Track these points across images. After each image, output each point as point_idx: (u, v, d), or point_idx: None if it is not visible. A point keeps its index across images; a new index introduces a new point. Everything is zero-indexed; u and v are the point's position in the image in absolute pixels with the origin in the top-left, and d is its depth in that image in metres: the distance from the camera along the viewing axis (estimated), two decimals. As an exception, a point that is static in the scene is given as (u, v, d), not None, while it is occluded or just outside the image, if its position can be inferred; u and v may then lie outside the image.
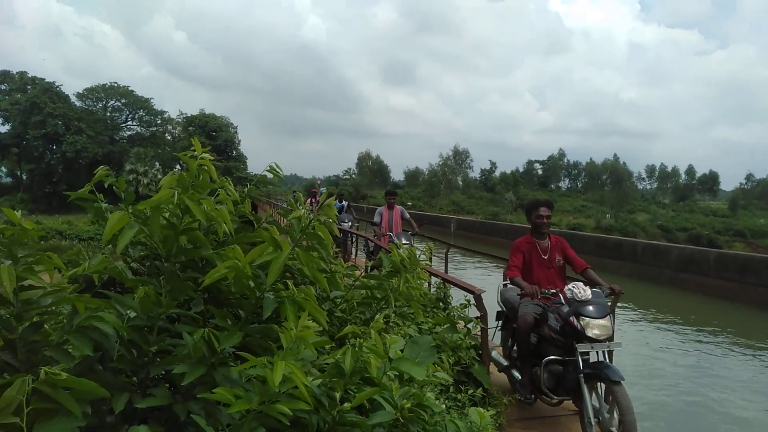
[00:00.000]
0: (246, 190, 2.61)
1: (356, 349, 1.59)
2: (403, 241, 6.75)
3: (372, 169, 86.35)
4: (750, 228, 61.24)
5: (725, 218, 67.85)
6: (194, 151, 1.76)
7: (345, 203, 15.39)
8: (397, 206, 8.60)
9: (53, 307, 1.51)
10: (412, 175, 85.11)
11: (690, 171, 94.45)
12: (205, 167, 1.68)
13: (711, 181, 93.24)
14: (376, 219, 8.47)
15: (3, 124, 50.31)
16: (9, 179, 53.72)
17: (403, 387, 1.54)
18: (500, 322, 4.60)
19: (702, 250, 20.50)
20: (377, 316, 1.64)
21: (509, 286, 4.54)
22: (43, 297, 1.48)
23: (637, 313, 15.04)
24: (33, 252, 1.49)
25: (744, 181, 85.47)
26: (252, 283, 1.47)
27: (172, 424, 1.40)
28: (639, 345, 11.61)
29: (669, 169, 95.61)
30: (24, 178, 51.18)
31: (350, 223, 13.43)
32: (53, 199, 44.91)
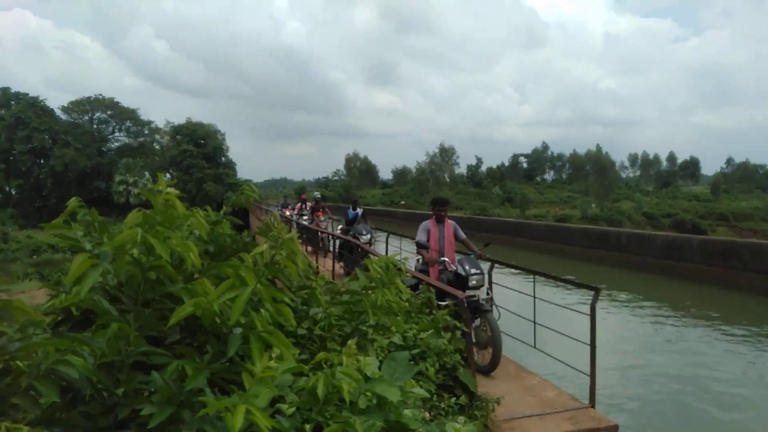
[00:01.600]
0: (222, 212, 2.63)
1: (328, 375, 1.61)
2: (473, 272, 5.37)
3: (360, 169, 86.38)
4: (732, 211, 62.22)
5: (708, 203, 68.87)
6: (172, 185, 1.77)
7: (360, 210, 12.87)
8: (449, 221, 6.38)
9: (23, 352, 1.50)
10: (401, 174, 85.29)
11: (671, 157, 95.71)
12: (170, 202, 1.68)
13: (692, 166, 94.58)
14: (421, 238, 6.19)
15: (-12, 141, 49.62)
16: (-2, 195, 53.04)
17: (368, 412, 1.55)
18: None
19: (685, 237, 20.81)
20: (350, 342, 1.65)
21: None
22: (11, 342, 1.48)
23: (622, 302, 15.22)
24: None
25: (725, 166, 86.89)
26: (218, 320, 1.48)
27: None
28: (625, 337, 11.76)
29: (651, 156, 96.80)
30: (13, 193, 50.53)
31: (369, 236, 11.01)
32: (44, 213, 44.47)
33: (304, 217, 16.60)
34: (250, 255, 1.54)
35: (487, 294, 5.62)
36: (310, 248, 13.86)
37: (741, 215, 61.46)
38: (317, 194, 16.40)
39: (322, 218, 14.79)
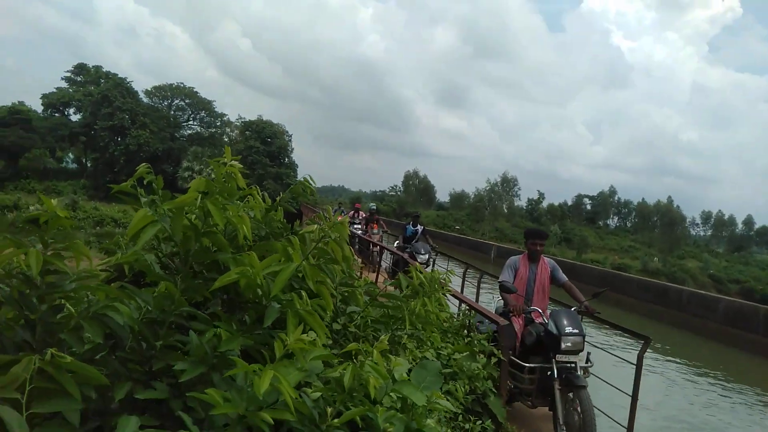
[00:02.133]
0: (278, 199, 2.69)
1: (356, 367, 1.61)
2: (568, 330, 4.19)
3: (418, 187, 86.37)
4: (809, 287, 57.53)
5: (783, 274, 64.10)
6: (247, 155, 1.84)
7: (420, 227, 11.88)
8: (546, 259, 5.07)
9: (75, 293, 1.59)
10: (458, 198, 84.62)
11: (748, 221, 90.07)
12: (233, 174, 1.75)
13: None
14: (506, 277, 4.86)
15: (75, 114, 53.47)
16: (75, 165, 56.82)
17: (391, 410, 1.53)
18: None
19: (752, 305, 19.44)
20: (382, 337, 1.65)
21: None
22: (68, 282, 1.57)
23: (671, 361, 14.37)
24: (63, 239, 1.58)
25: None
26: (260, 291, 1.51)
27: (169, 419, 1.45)
28: (668, 396, 11.08)
29: (726, 217, 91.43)
30: (88, 165, 53.99)
31: (428, 255, 10.32)
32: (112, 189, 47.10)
33: (356, 226, 16.45)
34: (300, 233, 1.57)
35: (587, 362, 4.48)
36: (360, 260, 13.45)
37: (818, 292, 56.78)
38: (373, 206, 16.31)
39: (375, 230, 14.41)
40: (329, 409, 1.42)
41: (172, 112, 57.06)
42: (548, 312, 4.68)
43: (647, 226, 76.88)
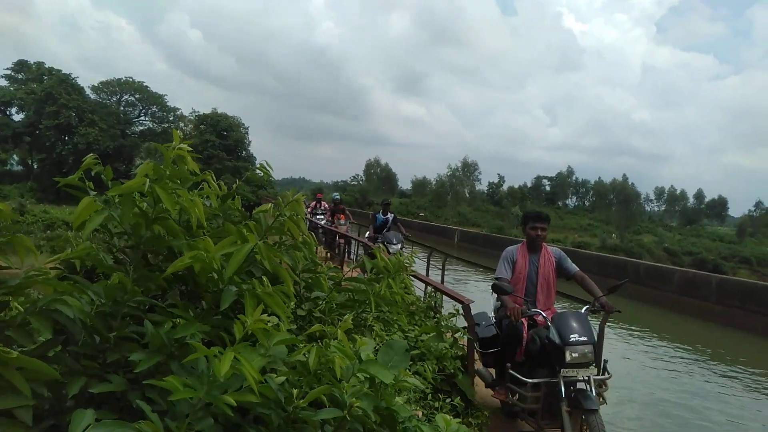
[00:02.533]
0: (234, 186, 2.63)
1: (321, 348, 1.59)
2: (573, 339, 3.58)
3: (380, 176, 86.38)
4: (756, 255, 60.74)
5: (732, 244, 67.34)
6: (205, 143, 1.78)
7: (391, 216, 11.39)
8: (550, 248, 4.36)
9: (21, 289, 1.52)
10: (420, 185, 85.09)
11: (699, 195, 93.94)
12: (183, 158, 1.69)
13: (719, 206, 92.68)
14: (502, 273, 4.17)
15: (17, 113, 50.95)
16: (20, 167, 54.26)
17: (358, 387, 1.53)
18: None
19: (704, 274, 20.35)
20: (346, 316, 1.64)
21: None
22: (11, 278, 1.50)
23: (632, 332, 14.93)
24: (5, 234, 1.50)
25: (753, 208, 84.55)
26: (216, 276, 1.47)
27: (128, 412, 1.40)
28: (634, 367, 11.53)
29: (678, 192, 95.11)
30: (35, 167, 51.67)
31: (400, 245, 9.86)
32: (62, 190, 45.32)
33: (318, 216, 16.25)
34: (254, 213, 1.54)
35: (604, 372, 3.78)
36: (327, 253, 13.20)
37: (765, 260, 59.95)
38: (336, 195, 15.83)
39: (342, 221, 14.03)
40: (295, 391, 1.40)
41: (122, 108, 55.11)
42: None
43: (604, 204, 79.16)
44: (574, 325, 3.59)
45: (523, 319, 3.86)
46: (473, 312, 4.30)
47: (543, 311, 3.96)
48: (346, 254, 12.04)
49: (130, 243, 1.65)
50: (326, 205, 17.20)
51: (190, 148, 1.67)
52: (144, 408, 1.13)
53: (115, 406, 1.42)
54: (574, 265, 4.29)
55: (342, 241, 12.36)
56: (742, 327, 16.17)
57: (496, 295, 4.19)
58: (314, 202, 17.54)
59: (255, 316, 1.25)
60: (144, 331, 1.50)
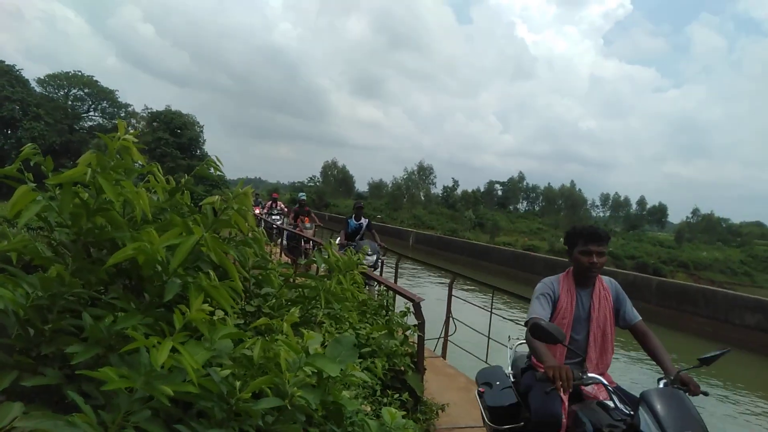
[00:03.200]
0: (183, 181, 2.58)
1: (266, 341, 1.59)
2: None
3: (337, 178, 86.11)
4: (693, 260, 64.13)
5: (671, 249, 70.76)
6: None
7: (365, 221, 9.79)
8: (606, 280, 3.01)
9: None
10: (376, 187, 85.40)
11: (641, 202, 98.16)
12: (128, 149, 1.65)
13: (660, 212, 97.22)
14: (538, 311, 2.73)
15: (-43, 107, 47.97)
16: (-41, 163, 51.22)
17: (301, 377, 1.54)
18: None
19: (644, 276, 21.31)
20: (292, 310, 1.64)
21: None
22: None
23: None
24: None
25: (690, 215, 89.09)
26: (161, 268, 1.45)
27: (64, 406, 1.36)
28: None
29: (622, 198, 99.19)
30: (-25, 162, 48.85)
31: (376, 256, 8.53)
32: (4, 186, 43.05)
33: (274, 217, 15.72)
34: (201, 205, 1.52)
35: None
36: (290, 260, 11.06)
37: (701, 264, 63.34)
38: (302, 195, 13.91)
39: (308, 225, 12.00)
40: (238, 383, 1.39)
41: (70, 103, 52.70)
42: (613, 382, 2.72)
43: (553, 209, 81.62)
44: (679, 414, 2.08)
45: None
46: (489, 365, 3.63)
47: (600, 376, 2.49)
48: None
49: (70, 234, 1.60)
50: (282, 206, 16.64)
51: (135, 139, 1.64)
52: (77, 400, 1.11)
53: (49, 400, 1.38)
54: (635, 311, 2.95)
55: (308, 246, 10.98)
56: (676, 327, 17.03)
57: (514, 345, 3.33)
58: (270, 202, 16.97)
59: (196, 306, 1.24)
60: (83, 325, 1.46)
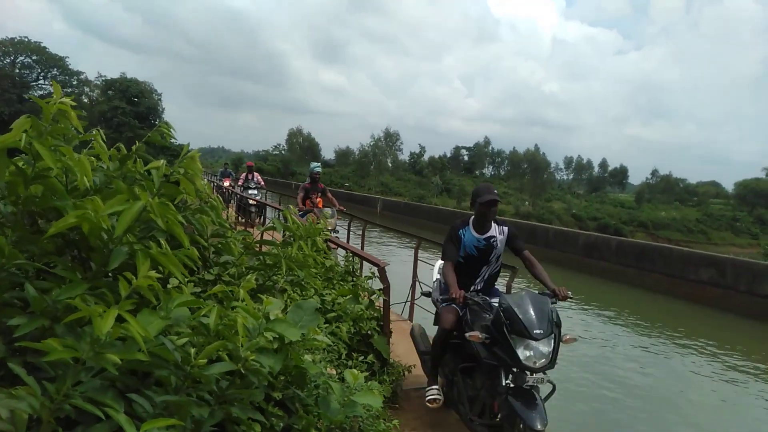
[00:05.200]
0: (134, 148, 2.48)
1: (223, 309, 1.57)
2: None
3: (302, 145, 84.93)
4: (652, 220, 66.53)
5: (631, 210, 73.15)
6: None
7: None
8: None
9: None
10: (343, 155, 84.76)
11: (603, 164, 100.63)
12: (66, 114, 1.57)
13: (621, 174, 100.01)
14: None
15: None
16: None
17: (256, 341, 1.53)
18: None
19: (605, 237, 21.99)
20: (248, 276, 1.62)
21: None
22: None
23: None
24: None
25: (650, 176, 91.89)
26: (105, 236, 1.40)
27: (9, 380, 1.32)
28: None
29: (585, 161, 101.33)
30: None
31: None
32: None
33: (252, 191, 13.45)
34: (145, 169, 1.47)
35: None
36: None
37: (660, 224, 65.80)
38: (317, 167, 9.18)
39: (328, 212, 8.59)
40: (192, 350, 1.38)
41: (17, 71, 49.98)
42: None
43: (518, 173, 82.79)
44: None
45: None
46: None
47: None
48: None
49: (7, 205, 1.52)
50: (260, 178, 14.43)
51: (74, 103, 1.56)
52: (19, 372, 1.07)
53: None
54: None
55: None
56: (635, 284, 17.73)
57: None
58: (245, 174, 14.40)
59: (143, 272, 1.20)
60: (26, 297, 1.41)
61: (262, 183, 14.39)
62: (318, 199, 8.74)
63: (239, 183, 14.42)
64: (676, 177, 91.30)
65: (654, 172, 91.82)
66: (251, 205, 12.73)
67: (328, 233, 3.19)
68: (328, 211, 8.53)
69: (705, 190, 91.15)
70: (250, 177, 14.16)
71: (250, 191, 13.32)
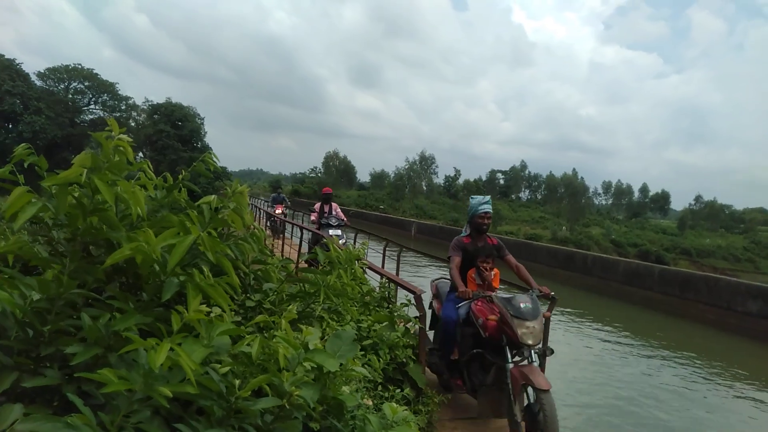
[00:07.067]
0: (180, 177, 2.58)
1: (265, 339, 1.60)
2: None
3: (338, 168, 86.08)
4: (696, 247, 64.07)
5: (673, 236, 70.73)
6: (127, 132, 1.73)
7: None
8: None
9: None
10: (378, 177, 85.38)
11: (644, 189, 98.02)
12: (122, 148, 1.65)
13: (662, 200, 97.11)
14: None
15: (-44, 100, 47.96)
16: (-39, 157, 51.24)
17: (300, 375, 1.54)
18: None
19: (647, 265, 21.29)
20: (290, 307, 1.64)
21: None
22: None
23: (586, 322, 15.49)
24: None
25: (693, 202, 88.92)
26: (158, 267, 1.45)
27: (64, 407, 1.37)
28: (582, 353, 11.99)
29: (624, 186, 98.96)
30: (-23, 156, 48.86)
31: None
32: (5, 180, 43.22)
33: (332, 231, 9.32)
34: (196, 204, 1.52)
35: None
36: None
37: (704, 252, 63.31)
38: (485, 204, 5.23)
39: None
40: (237, 382, 1.40)
41: (71, 96, 52.58)
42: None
43: (555, 197, 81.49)
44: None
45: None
46: None
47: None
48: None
49: (66, 234, 1.60)
50: (339, 211, 10.07)
51: (129, 139, 1.64)
52: (76, 401, 1.11)
53: (50, 402, 1.39)
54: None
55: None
56: (678, 314, 17.05)
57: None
58: (320, 204, 10.15)
59: (194, 306, 1.24)
60: (82, 325, 1.47)
61: (345, 219, 10.09)
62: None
63: (312, 218, 10.22)
64: (721, 203, 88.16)
65: (698, 198, 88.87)
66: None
67: (366, 262, 3.21)
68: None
69: (752, 216, 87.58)
70: (327, 209, 9.97)
71: (331, 231, 9.35)
